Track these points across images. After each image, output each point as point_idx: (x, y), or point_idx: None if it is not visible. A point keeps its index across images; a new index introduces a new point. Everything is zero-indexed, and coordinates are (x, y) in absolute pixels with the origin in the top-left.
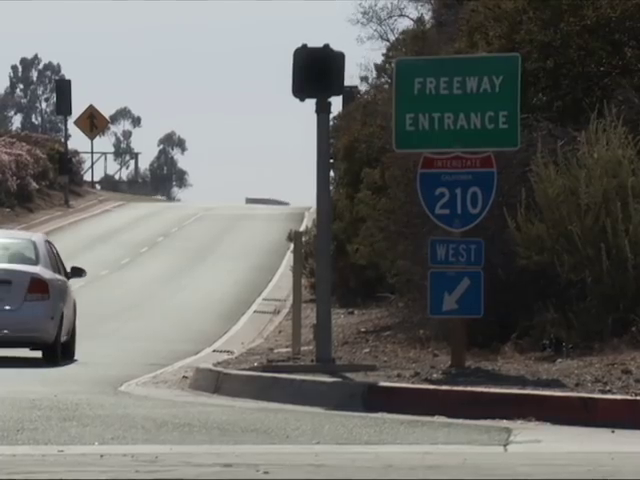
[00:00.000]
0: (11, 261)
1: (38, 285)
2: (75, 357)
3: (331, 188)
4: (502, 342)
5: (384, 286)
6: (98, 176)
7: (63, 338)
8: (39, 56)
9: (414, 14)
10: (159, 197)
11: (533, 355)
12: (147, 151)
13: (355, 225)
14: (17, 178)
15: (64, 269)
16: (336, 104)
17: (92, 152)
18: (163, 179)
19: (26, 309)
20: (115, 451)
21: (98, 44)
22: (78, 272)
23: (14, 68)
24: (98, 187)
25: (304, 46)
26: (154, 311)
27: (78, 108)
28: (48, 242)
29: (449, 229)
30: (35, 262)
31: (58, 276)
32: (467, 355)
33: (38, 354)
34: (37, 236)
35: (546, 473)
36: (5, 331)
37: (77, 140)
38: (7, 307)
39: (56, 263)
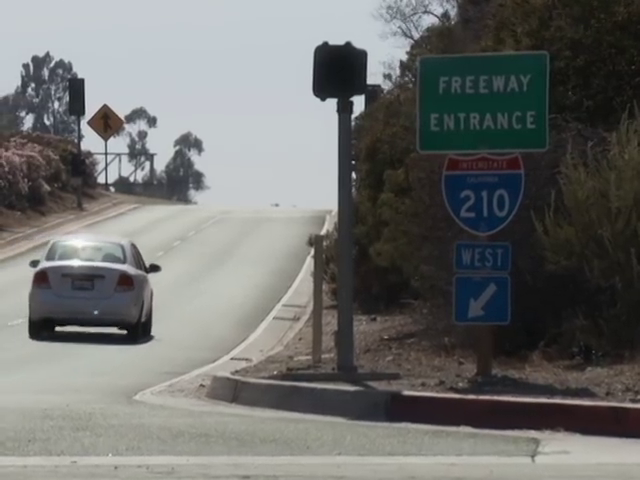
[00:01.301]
0: (104, 260)
1: (125, 279)
2: (152, 334)
3: (353, 190)
4: (530, 350)
5: (408, 292)
6: (112, 178)
7: (143, 319)
8: (51, 54)
9: (439, 10)
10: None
11: (562, 363)
12: (163, 152)
13: (378, 228)
14: (29, 180)
15: (144, 266)
16: (358, 104)
17: (106, 153)
18: (179, 181)
19: (116, 298)
20: (130, 462)
21: (112, 41)
22: (155, 268)
23: (25, 66)
24: (112, 189)
25: (325, 43)
26: (170, 317)
27: (91, 108)
28: (133, 245)
29: (475, 233)
30: (123, 261)
31: (140, 272)
32: (494, 363)
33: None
34: (124, 240)
35: None
36: (96, 312)
37: (90, 141)
38: (101, 296)
39: (138, 261)
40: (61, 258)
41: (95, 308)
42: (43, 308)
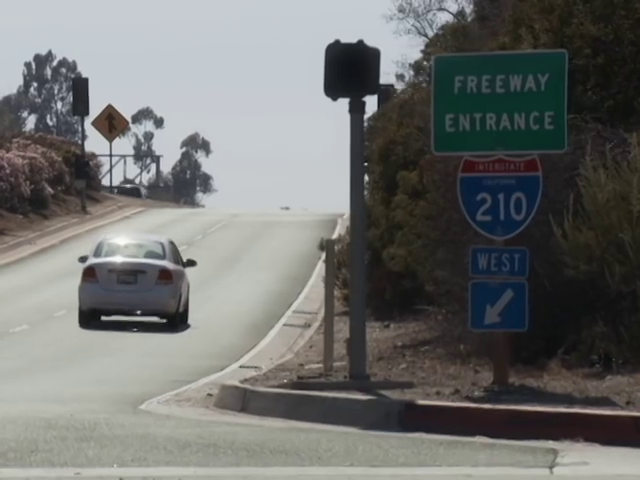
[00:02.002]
0: (146, 257)
1: (165, 274)
2: (188, 322)
3: (365, 193)
4: (548, 357)
5: (422, 297)
6: (117, 180)
7: (181, 309)
8: (53, 52)
9: (454, 7)
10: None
11: (581, 371)
12: (169, 154)
13: (391, 232)
14: (31, 183)
15: (182, 261)
16: (371, 103)
17: (111, 155)
18: (186, 184)
19: (156, 291)
20: (135, 474)
21: (117, 39)
22: (191, 263)
23: (27, 65)
24: (117, 192)
25: (337, 42)
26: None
27: (96, 108)
28: (171, 242)
29: (491, 237)
30: (162, 257)
31: (178, 266)
32: (510, 371)
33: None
34: (164, 238)
35: None
36: (138, 312)
37: (95, 142)
38: (143, 289)
39: (176, 257)
40: (107, 255)
41: (138, 300)
42: (91, 300)
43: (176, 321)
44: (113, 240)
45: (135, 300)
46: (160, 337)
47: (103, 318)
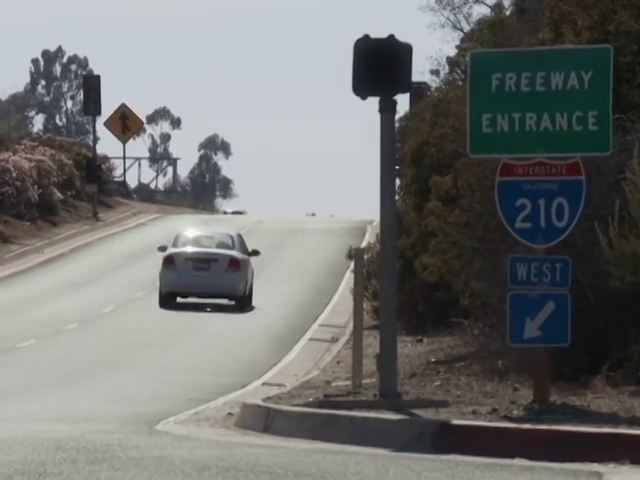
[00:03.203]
0: (217, 247)
1: (234, 262)
2: (252, 304)
3: (397, 198)
4: (591, 374)
5: (457, 310)
6: (131, 185)
7: (247, 293)
8: (63, 48)
9: (491, 0)
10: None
11: (627, 389)
12: (187, 156)
13: (424, 240)
14: (39, 187)
15: (247, 251)
16: (402, 103)
17: (124, 157)
18: (205, 188)
19: (226, 277)
20: None
21: (131, 34)
22: (255, 253)
23: (35, 62)
24: (134, 196)
25: (366, 37)
26: (196, 338)
27: (108, 107)
28: (239, 235)
29: (531, 245)
30: (232, 248)
31: (245, 256)
32: (552, 389)
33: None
34: (233, 231)
35: None
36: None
37: (107, 144)
38: (215, 275)
39: (244, 248)
40: (184, 245)
41: (210, 284)
42: (170, 284)
43: (243, 303)
44: (189, 233)
45: (208, 284)
46: (179, 352)
47: (178, 300)
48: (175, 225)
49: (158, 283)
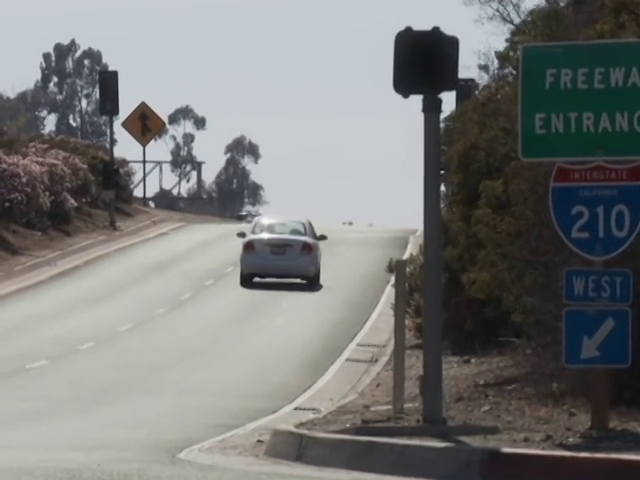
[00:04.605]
0: (292, 234)
1: (306, 247)
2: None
3: (442, 206)
4: None
5: (508, 328)
6: (152, 191)
7: (317, 273)
8: (76, 41)
9: None
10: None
11: None
12: (212, 160)
13: (472, 251)
14: (51, 194)
15: (316, 236)
16: (448, 101)
17: (144, 161)
18: (232, 195)
19: (300, 260)
20: None
21: (150, 26)
22: (323, 237)
23: (46, 57)
24: (151, 205)
25: (408, 29)
26: (222, 359)
27: (127, 106)
28: (310, 223)
29: (589, 257)
30: (304, 234)
31: (315, 241)
32: (611, 414)
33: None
34: (304, 219)
35: None
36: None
37: (125, 146)
38: (290, 259)
39: (314, 233)
40: (262, 231)
41: (286, 266)
42: (250, 266)
43: (313, 282)
44: (266, 221)
45: (284, 266)
46: (203, 374)
47: (256, 279)
48: (198, 235)
49: (239, 265)
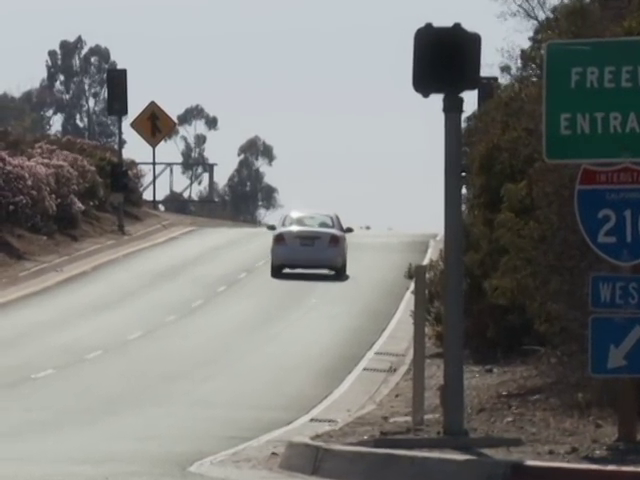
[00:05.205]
0: (320, 226)
1: (334, 239)
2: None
3: (463, 209)
4: None
5: (531, 336)
6: (162, 194)
7: (343, 264)
8: (83, 38)
9: None
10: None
11: None
12: (225, 162)
13: (494, 257)
14: (57, 197)
15: (343, 228)
16: (470, 101)
17: (154, 163)
18: (246, 198)
19: (328, 251)
20: None
21: (159, 23)
22: (349, 230)
23: (52, 54)
24: (162, 208)
25: (429, 26)
26: (235, 368)
27: (136, 106)
28: (337, 216)
29: (616, 262)
30: (332, 226)
31: (342, 233)
32: (639, 426)
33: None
34: (332, 213)
35: None
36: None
37: (135, 148)
38: (319, 250)
39: (340, 226)
40: (291, 225)
41: (314, 258)
42: (281, 258)
43: (340, 272)
44: (296, 215)
45: (313, 258)
46: (215, 384)
47: (286, 270)
48: (211, 239)
49: (270, 257)
